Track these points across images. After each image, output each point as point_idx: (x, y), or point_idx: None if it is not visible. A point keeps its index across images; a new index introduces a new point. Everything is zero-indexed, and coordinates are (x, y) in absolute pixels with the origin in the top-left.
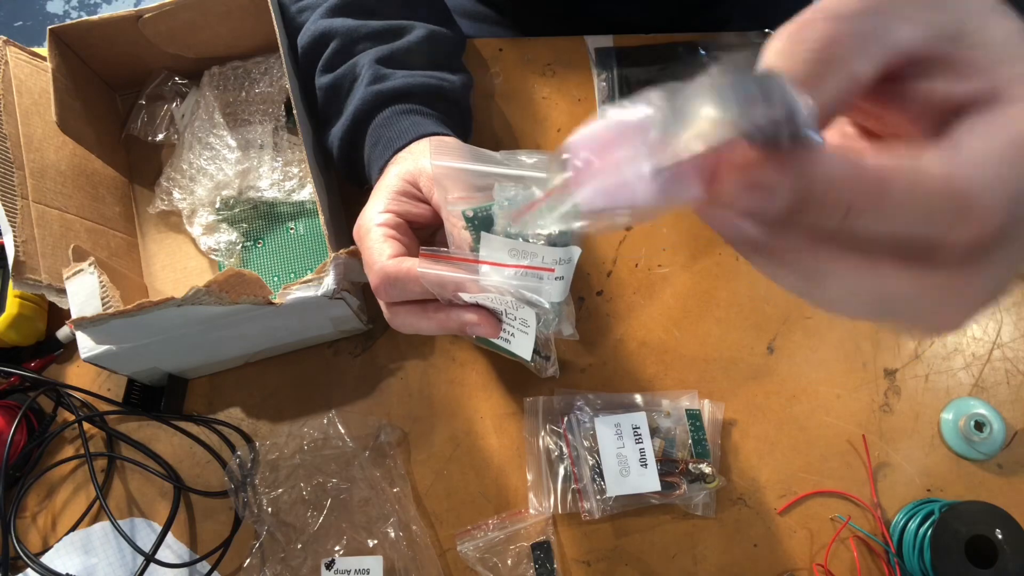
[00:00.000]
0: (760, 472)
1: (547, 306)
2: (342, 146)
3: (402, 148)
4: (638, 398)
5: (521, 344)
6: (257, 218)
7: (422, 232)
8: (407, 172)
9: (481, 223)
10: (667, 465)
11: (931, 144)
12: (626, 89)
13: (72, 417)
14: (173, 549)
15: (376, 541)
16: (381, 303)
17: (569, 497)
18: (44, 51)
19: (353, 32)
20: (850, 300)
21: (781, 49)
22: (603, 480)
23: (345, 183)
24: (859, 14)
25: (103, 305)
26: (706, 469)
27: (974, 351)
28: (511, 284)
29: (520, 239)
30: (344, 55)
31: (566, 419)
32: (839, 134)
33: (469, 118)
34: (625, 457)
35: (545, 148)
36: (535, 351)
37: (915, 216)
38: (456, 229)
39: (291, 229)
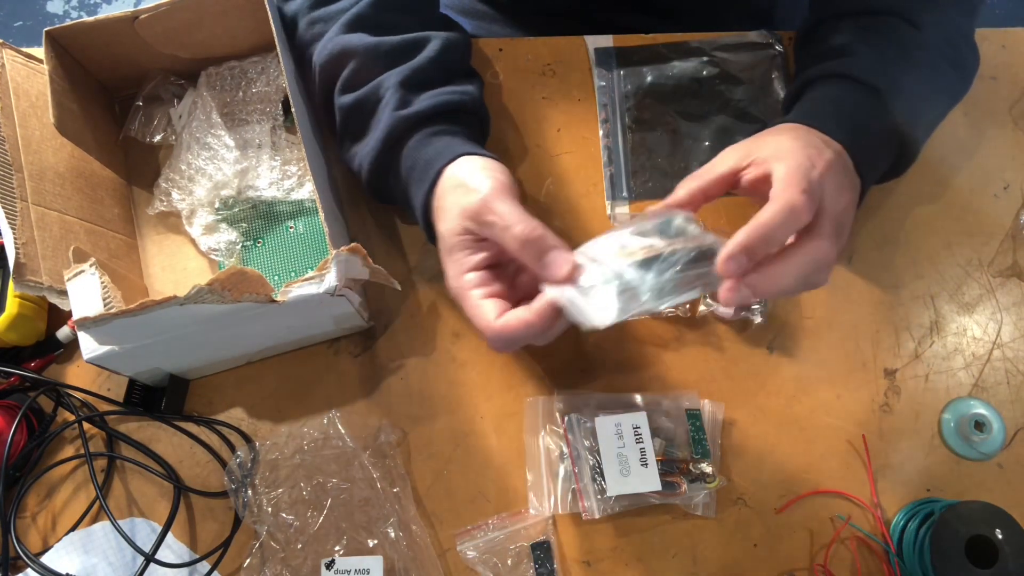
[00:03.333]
0: (760, 472)
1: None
2: (372, 169)
3: (438, 175)
4: (638, 398)
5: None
6: (256, 217)
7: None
8: (458, 226)
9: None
10: (667, 465)
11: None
12: (626, 89)
13: (72, 417)
14: (173, 549)
15: (376, 541)
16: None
17: (569, 497)
18: (41, 53)
19: (372, 51)
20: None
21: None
22: (603, 480)
23: (344, 184)
24: (718, 160)
25: (105, 305)
26: (706, 469)
27: (974, 351)
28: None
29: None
30: (365, 75)
31: (566, 419)
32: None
33: (488, 123)
34: (625, 457)
35: (545, 148)
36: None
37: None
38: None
39: (291, 228)
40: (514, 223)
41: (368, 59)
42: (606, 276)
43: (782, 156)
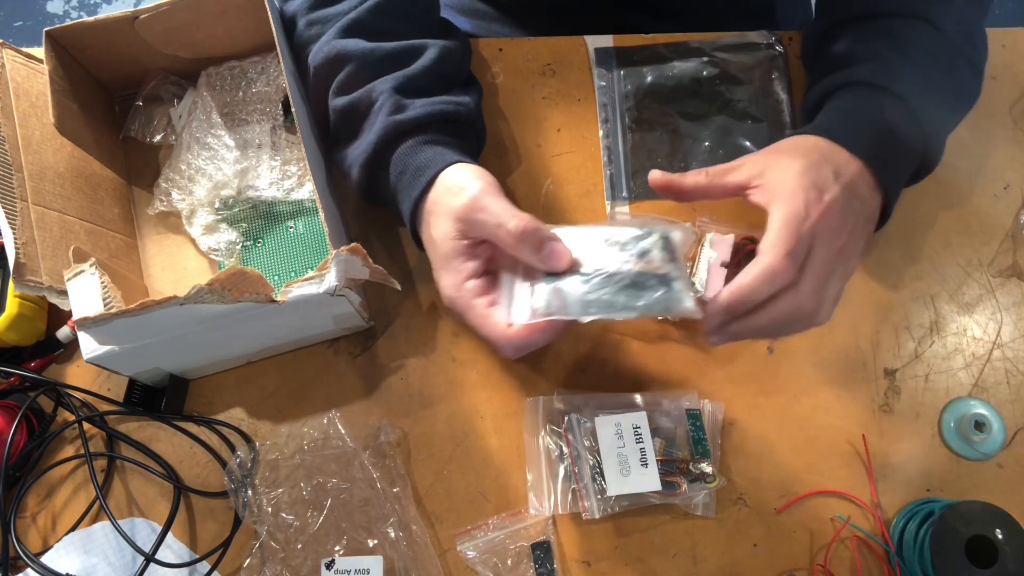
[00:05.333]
0: (760, 472)
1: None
2: (362, 172)
3: (429, 184)
4: (638, 398)
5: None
6: (256, 217)
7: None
8: (452, 230)
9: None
10: (667, 465)
11: (760, 257)
12: (626, 88)
13: (72, 417)
14: (173, 549)
15: (376, 541)
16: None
17: (569, 497)
18: (41, 53)
19: (368, 55)
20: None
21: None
22: (603, 480)
23: (343, 184)
24: (731, 168)
25: (105, 305)
26: (706, 469)
27: (974, 351)
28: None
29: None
30: (360, 79)
31: (566, 419)
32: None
33: (483, 133)
34: (625, 457)
35: (545, 148)
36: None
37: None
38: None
39: (290, 228)
40: (507, 218)
41: (363, 64)
42: (545, 279)
43: (783, 196)
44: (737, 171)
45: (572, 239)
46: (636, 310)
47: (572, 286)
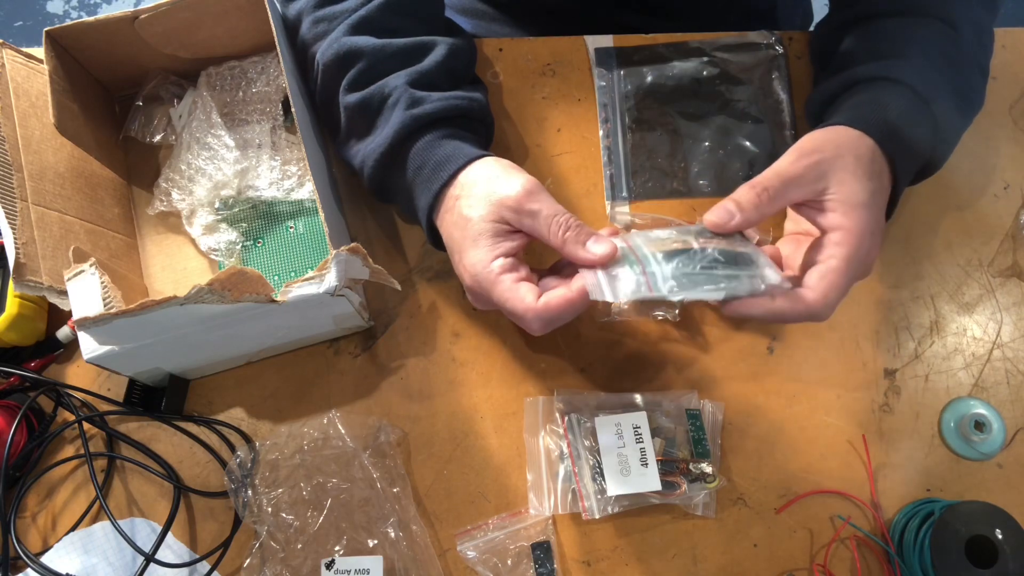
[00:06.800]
0: (760, 472)
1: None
2: (376, 167)
3: (452, 177)
4: (638, 398)
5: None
6: (256, 217)
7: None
8: (490, 214)
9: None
10: (667, 465)
11: (806, 291)
12: (626, 88)
13: (72, 417)
14: (173, 549)
15: (376, 541)
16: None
17: (569, 497)
18: (41, 53)
19: (379, 52)
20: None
21: (747, 197)
22: (603, 480)
23: (344, 184)
24: (790, 182)
25: (105, 306)
26: (706, 469)
27: (974, 351)
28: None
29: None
30: (372, 75)
31: (566, 419)
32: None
33: (492, 130)
34: (625, 457)
35: (545, 148)
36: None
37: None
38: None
39: (291, 228)
40: (558, 211)
41: (375, 59)
42: (631, 260)
43: (850, 235)
44: (797, 186)
45: (641, 235)
46: (723, 286)
47: (657, 267)
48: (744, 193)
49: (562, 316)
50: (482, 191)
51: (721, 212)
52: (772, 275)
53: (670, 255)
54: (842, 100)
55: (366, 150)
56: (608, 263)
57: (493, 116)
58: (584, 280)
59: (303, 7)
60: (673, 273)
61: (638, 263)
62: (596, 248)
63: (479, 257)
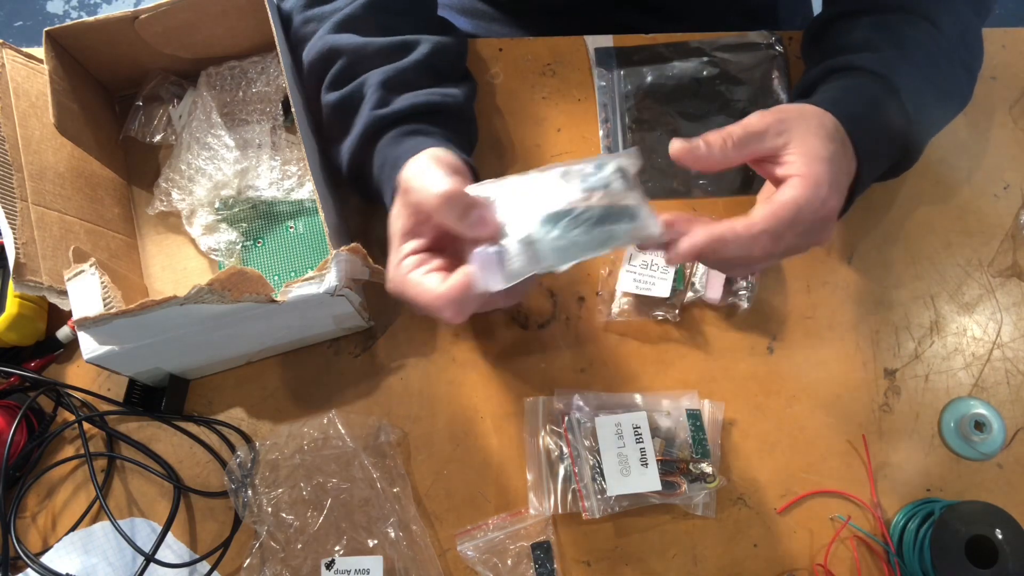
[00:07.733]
0: (760, 472)
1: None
2: (350, 166)
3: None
4: (638, 398)
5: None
6: (256, 217)
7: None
8: (404, 205)
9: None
10: (667, 465)
11: (743, 218)
12: (626, 88)
13: (72, 417)
14: (173, 549)
15: (376, 541)
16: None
17: (569, 497)
18: (41, 53)
19: (360, 50)
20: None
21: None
22: (603, 480)
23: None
24: (753, 135)
25: (105, 306)
26: (706, 469)
27: (974, 351)
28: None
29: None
30: (351, 74)
31: (566, 419)
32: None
33: (474, 127)
34: (625, 457)
35: (544, 148)
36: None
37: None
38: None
39: (291, 228)
40: (433, 184)
41: (355, 59)
42: (511, 235)
43: (805, 182)
44: (760, 140)
45: (527, 186)
46: (609, 245)
47: (542, 235)
48: (712, 135)
49: (468, 296)
50: (405, 192)
51: (688, 144)
52: (653, 225)
53: (552, 219)
54: (817, 88)
55: (343, 150)
56: (493, 240)
57: (475, 113)
58: (474, 263)
59: (293, 6)
60: (556, 243)
61: (516, 237)
62: (480, 228)
63: (391, 262)
